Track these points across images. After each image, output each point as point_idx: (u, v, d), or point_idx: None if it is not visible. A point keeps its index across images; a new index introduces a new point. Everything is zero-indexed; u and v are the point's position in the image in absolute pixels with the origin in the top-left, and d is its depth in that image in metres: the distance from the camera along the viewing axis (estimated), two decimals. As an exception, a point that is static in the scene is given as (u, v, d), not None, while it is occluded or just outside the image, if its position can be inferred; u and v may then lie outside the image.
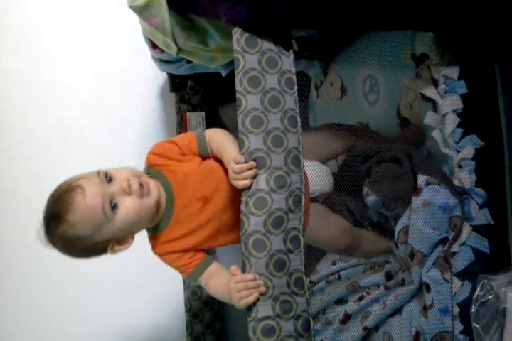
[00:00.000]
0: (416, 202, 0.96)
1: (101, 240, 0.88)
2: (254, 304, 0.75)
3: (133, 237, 0.92)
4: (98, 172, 0.88)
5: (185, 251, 0.90)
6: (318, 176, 1.04)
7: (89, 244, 0.88)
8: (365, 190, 1.06)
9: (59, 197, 0.87)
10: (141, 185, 0.87)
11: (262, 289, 0.74)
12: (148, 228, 0.93)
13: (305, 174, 0.80)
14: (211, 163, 0.91)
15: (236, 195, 0.81)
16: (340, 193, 1.11)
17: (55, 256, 0.91)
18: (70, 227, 0.85)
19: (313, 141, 1.08)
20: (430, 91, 1.01)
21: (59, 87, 1.60)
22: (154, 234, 0.93)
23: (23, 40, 1.60)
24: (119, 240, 0.91)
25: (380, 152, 1.08)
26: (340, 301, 1.15)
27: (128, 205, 0.86)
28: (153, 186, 0.89)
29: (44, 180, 1.48)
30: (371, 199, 1.06)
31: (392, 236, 1.01)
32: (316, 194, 1.06)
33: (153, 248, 0.93)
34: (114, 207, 0.86)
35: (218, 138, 0.90)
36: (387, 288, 1.03)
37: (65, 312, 1.53)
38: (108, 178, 0.87)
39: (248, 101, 0.80)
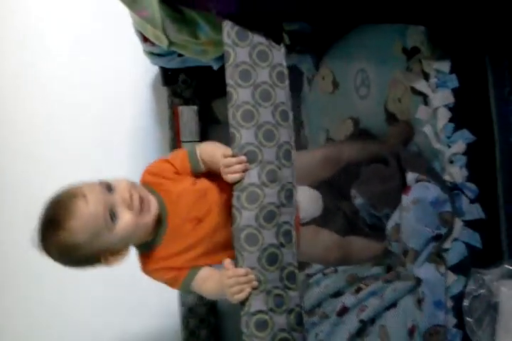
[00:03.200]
0: (406, 199, 0.97)
1: (97, 250, 0.88)
2: (247, 298, 0.75)
3: (127, 250, 0.92)
4: (100, 182, 0.88)
5: (176, 268, 0.90)
6: (308, 203, 1.07)
7: (86, 253, 0.87)
8: (352, 192, 1.07)
9: (59, 204, 0.86)
10: (141, 199, 0.87)
11: (254, 284, 0.74)
12: (139, 245, 0.93)
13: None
14: (205, 184, 0.91)
15: (229, 215, 0.81)
16: (334, 197, 1.12)
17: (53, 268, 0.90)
18: (69, 234, 0.84)
19: (305, 165, 1.09)
20: (421, 85, 1.01)
21: (49, 80, 1.58)
22: (145, 252, 0.92)
23: (14, 31, 1.58)
24: (114, 252, 0.90)
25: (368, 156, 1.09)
26: (337, 294, 1.16)
27: (127, 219, 0.86)
28: (153, 201, 0.89)
29: (36, 176, 1.49)
30: (358, 201, 1.06)
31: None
32: (307, 220, 1.08)
33: (143, 266, 0.92)
34: (113, 216, 0.86)
35: (209, 151, 0.89)
36: (386, 281, 1.04)
37: (60, 315, 1.52)
38: (109, 188, 0.87)
39: (239, 94, 0.79)
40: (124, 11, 1.08)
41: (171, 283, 0.91)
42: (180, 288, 0.91)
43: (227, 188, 0.83)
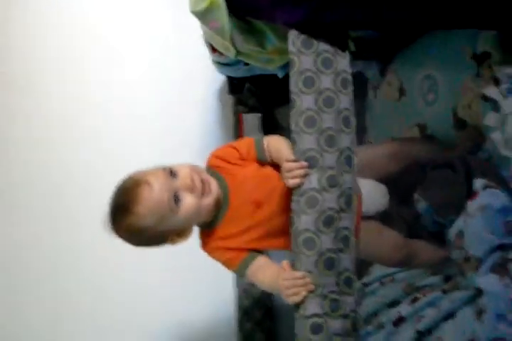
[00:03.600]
0: (472, 205, 0.94)
1: (163, 231, 0.93)
2: (302, 301, 0.76)
3: (191, 230, 0.97)
4: (164, 168, 0.93)
5: (232, 248, 0.93)
6: (374, 196, 1.05)
7: (152, 235, 0.93)
8: (415, 196, 1.05)
9: (127, 191, 0.92)
10: (202, 182, 0.91)
11: (310, 287, 0.75)
12: (200, 224, 0.97)
13: (359, 195, 0.79)
14: (268, 170, 0.94)
15: (289, 202, 0.82)
16: (395, 202, 1.10)
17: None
18: (137, 218, 0.90)
19: (371, 158, 1.09)
20: (492, 91, 0.98)
21: (123, 86, 1.66)
22: (206, 230, 0.96)
23: (93, 41, 1.68)
24: (179, 232, 0.95)
25: (436, 159, 1.06)
26: (394, 303, 1.13)
27: (190, 202, 0.90)
28: (214, 184, 0.93)
29: (101, 177, 1.55)
30: (421, 205, 1.04)
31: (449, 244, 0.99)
32: (371, 213, 1.07)
33: (203, 243, 0.97)
34: (177, 200, 0.90)
35: (276, 144, 0.92)
36: (444, 292, 1.01)
37: (116, 305, 1.55)
38: (172, 174, 0.92)
39: (302, 101, 0.81)
40: (196, 23, 1.13)
41: (228, 263, 0.94)
42: (236, 269, 0.94)
43: None
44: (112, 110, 1.66)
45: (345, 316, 0.75)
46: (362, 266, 1.19)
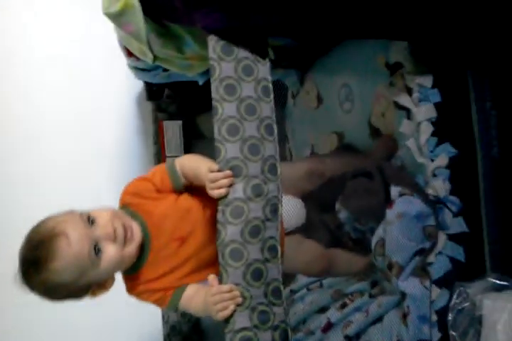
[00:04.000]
0: (390, 213, 0.97)
1: (83, 285, 0.87)
2: (231, 315, 0.74)
3: (113, 280, 0.91)
4: (81, 215, 0.86)
5: (162, 289, 0.88)
6: (291, 212, 1.07)
7: (71, 289, 0.86)
8: (337, 206, 1.07)
9: (41, 243, 0.83)
10: (124, 228, 0.86)
11: (239, 300, 0.73)
12: (123, 270, 0.91)
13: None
14: (187, 201, 0.90)
15: (214, 231, 0.79)
16: (317, 211, 1.12)
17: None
18: (54, 275, 0.83)
19: (289, 176, 1.08)
20: (404, 100, 1.02)
21: (33, 92, 1.57)
22: (129, 275, 0.91)
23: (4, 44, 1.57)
24: (100, 284, 0.89)
25: (353, 170, 1.10)
26: (322, 309, 1.15)
27: (112, 253, 0.84)
28: (136, 229, 0.87)
29: (16, 190, 1.46)
30: (343, 215, 1.07)
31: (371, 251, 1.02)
32: (290, 229, 1.08)
33: (128, 288, 0.91)
34: (98, 251, 0.84)
35: (191, 163, 0.88)
36: (371, 296, 1.03)
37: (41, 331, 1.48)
38: (91, 221, 0.85)
39: (224, 108, 0.79)
40: (110, 26, 1.08)
41: (158, 303, 0.89)
42: (167, 308, 0.90)
43: (210, 204, 0.83)
44: (22, 116, 1.55)
45: (275, 327, 0.74)
46: (288, 273, 1.20)
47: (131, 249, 0.86)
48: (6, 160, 1.54)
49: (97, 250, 0.84)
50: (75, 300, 0.89)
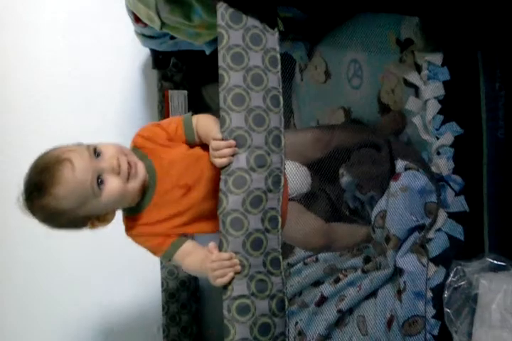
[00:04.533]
0: (394, 186, 0.97)
1: (83, 215, 0.88)
2: (229, 282, 0.74)
3: (114, 215, 0.92)
4: (88, 146, 0.86)
5: (158, 234, 0.90)
6: (296, 178, 1.06)
7: (71, 218, 0.87)
8: (340, 171, 1.07)
9: (46, 168, 0.84)
10: (129, 164, 0.86)
11: (238, 268, 0.74)
12: (125, 209, 0.92)
13: (284, 175, 0.79)
14: (197, 152, 0.90)
15: (218, 185, 0.80)
16: (320, 179, 1.12)
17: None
18: (55, 200, 0.83)
19: (297, 142, 1.09)
20: (413, 77, 1.01)
21: (38, 60, 1.55)
22: (130, 215, 0.92)
23: (1, 12, 1.54)
24: (100, 217, 0.90)
25: (360, 141, 1.09)
26: (317, 283, 1.16)
27: (114, 185, 0.85)
28: (141, 167, 0.88)
29: (20, 154, 1.46)
30: (345, 180, 1.06)
31: (369, 222, 1.02)
32: (294, 195, 1.08)
33: (127, 229, 0.92)
34: (100, 183, 0.85)
35: (205, 123, 0.89)
36: (364, 272, 1.04)
37: (38, 292, 1.51)
38: (97, 153, 0.86)
39: (231, 77, 0.78)
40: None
41: (154, 249, 0.90)
42: (162, 256, 0.91)
43: None
44: (29, 85, 1.54)
45: (272, 296, 0.75)
46: (286, 247, 1.21)
47: (135, 184, 0.87)
48: (9, 134, 1.53)
49: (99, 181, 0.85)
50: (74, 230, 0.91)
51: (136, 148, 0.92)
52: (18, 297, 1.50)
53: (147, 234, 0.90)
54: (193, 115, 0.94)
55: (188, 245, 0.89)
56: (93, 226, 0.90)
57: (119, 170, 0.85)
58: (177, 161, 0.89)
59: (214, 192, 0.85)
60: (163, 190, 0.89)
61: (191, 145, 0.91)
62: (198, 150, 0.91)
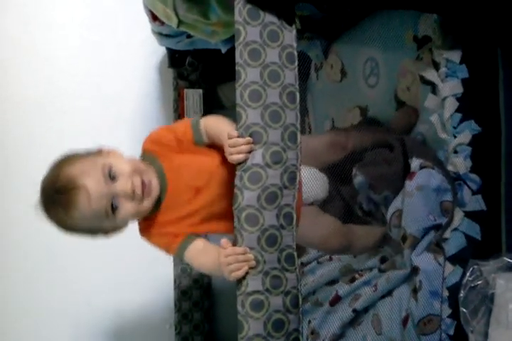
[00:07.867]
0: (410, 185, 0.96)
1: (97, 230, 0.92)
2: (244, 278, 0.74)
3: (127, 225, 0.94)
4: (103, 167, 0.87)
5: (170, 233, 0.91)
6: (314, 185, 1.07)
7: (86, 231, 0.92)
8: (354, 171, 1.06)
9: (63, 190, 0.86)
10: (143, 184, 0.88)
11: (252, 263, 0.74)
12: None
13: (299, 181, 0.80)
14: (207, 154, 0.91)
15: (229, 187, 0.81)
16: (335, 182, 1.11)
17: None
18: (71, 220, 0.87)
19: (314, 147, 1.10)
20: (431, 74, 1.00)
21: (55, 58, 1.58)
22: (143, 218, 0.93)
23: (22, 9, 1.57)
24: (116, 229, 0.93)
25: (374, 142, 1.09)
26: (332, 282, 1.15)
27: (128, 209, 0.88)
28: (155, 184, 0.90)
29: (38, 152, 1.48)
30: (358, 180, 1.06)
31: (384, 223, 1.01)
32: (311, 200, 1.08)
33: (141, 230, 0.95)
34: (115, 208, 0.88)
35: (215, 124, 0.89)
36: (380, 271, 1.03)
37: (54, 290, 1.53)
38: (111, 176, 0.88)
39: (248, 74, 0.78)
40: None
41: (167, 248, 0.92)
42: (175, 253, 0.92)
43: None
44: (47, 84, 1.56)
45: (286, 293, 0.75)
46: (300, 246, 1.20)
47: (148, 203, 0.90)
48: (29, 132, 1.55)
49: (114, 206, 0.87)
50: (89, 238, 0.94)
51: (146, 152, 0.93)
52: (31, 296, 1.52)
53: (160, 234, 0.92)
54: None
55: (200, 242, 0.90)
56: (107, 235, 0.94)
57: (133, 195, 0.87)
58: (186, 164, 0.91)
59: (225, 193, 0.86)
60: (173, 193, 0.91)
61: (198, 150, 0.92)
62: (207, 153, 0.92)
